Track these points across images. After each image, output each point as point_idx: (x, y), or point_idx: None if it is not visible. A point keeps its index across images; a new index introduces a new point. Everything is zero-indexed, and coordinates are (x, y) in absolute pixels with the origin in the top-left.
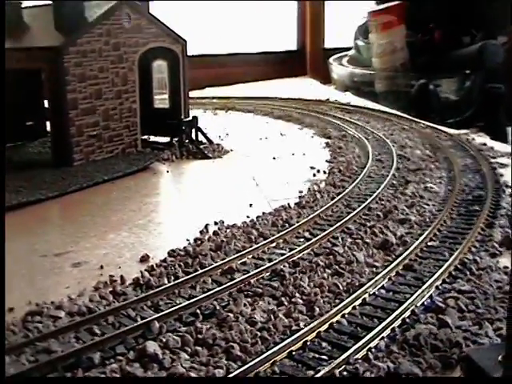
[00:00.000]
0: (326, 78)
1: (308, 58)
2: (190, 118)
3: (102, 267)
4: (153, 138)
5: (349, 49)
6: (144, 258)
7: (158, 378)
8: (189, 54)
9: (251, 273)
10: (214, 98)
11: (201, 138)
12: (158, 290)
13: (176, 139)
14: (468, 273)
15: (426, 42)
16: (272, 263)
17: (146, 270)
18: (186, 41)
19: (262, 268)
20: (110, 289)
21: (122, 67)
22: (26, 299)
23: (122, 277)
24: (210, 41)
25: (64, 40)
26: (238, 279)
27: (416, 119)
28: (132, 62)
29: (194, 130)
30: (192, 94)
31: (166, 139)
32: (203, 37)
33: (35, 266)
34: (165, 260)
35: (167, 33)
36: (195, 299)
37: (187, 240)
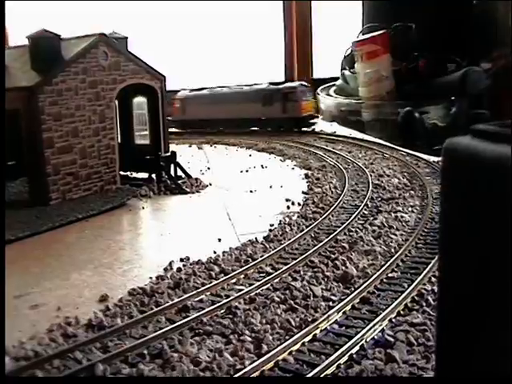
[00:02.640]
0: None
1: None
2: (169, 153)
3: (59, 308)
4: (134, 174)
5: (338, 79)
6: (103, 298)
7: (158, 378)
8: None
9: (204, 311)
10: (201, 132)
11: (180, 173)
12: (108, 330)
13: (154, 175)
14: (424, 304)
15: (411, 70)
16: (227, 300)
17: (100, 310)
18: (164, 77)
19: (217, 305)
20: (62, 331)
21: (100, 104)
22: None
23: (76, 318)
24: (197, 77)
25: (39, 80)
26: (190, 318)
27: (397, 147)
28: (110, 98)
29: (172, 166)
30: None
31: (145, 175)
32: (190, 73)
33: None
34: (121, 300)
35: (146, 69)
36: (144, 339)
37: (150, 278)
